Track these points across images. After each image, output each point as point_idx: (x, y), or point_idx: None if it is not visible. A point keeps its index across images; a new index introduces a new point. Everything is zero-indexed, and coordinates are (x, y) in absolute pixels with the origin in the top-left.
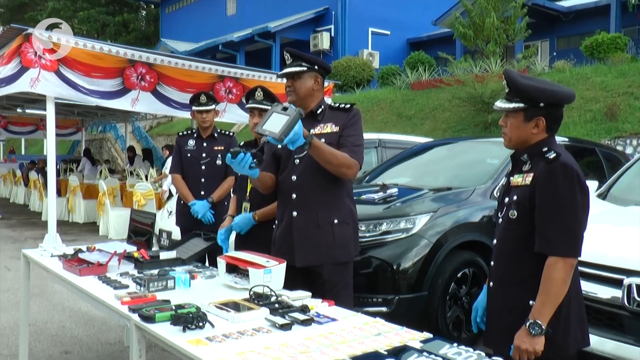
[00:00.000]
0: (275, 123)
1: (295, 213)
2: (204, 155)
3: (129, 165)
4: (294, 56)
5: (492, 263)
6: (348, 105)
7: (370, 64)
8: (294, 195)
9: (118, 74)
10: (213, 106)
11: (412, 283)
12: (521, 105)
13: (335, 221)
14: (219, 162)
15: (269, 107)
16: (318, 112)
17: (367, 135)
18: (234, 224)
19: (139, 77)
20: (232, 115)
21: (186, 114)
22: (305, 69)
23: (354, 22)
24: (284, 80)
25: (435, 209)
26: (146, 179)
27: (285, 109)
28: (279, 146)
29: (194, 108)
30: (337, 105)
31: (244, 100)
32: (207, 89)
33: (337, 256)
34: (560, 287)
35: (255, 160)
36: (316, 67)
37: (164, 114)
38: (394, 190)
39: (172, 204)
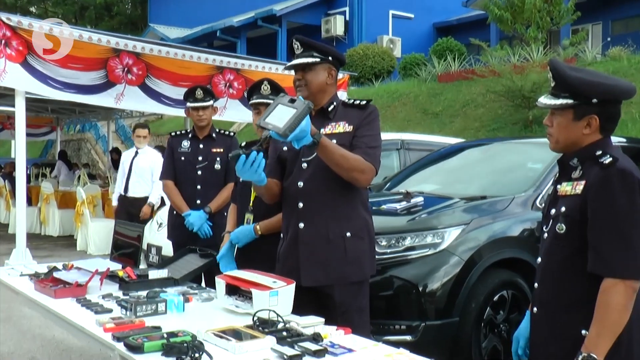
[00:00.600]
0: (279, 116)
1: (301, 225)
2: (200, 158)
3: (112, 169)
4: (305, 45)
5: (535, 285)
6: (364, 102)
7: (391, 53)
8: (301, 204)
9: (100, 66)
10: (211, 102)
11: (441, 307)
12: (570, 101)
13: (348, 234)
14: (217, 166)
15: None
16: (330, 109)
17: (387, 135)
18: (232, 235)
19: (125, 69)
20: (233, 112)
21: (180, 112)
22: (318, 59)
23: (372, 3)
24: (293, 72)
25: (467, 221)
26: None
27: (292, 101)
28: (285, 148)
29: (188, 104)
30: (351, 101)
31: (246, 95)
32: (203, 83)
33: (350, 275)
34: (619, 314)
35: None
36: (330, 57)
37: (154, 112)
38: (419, 200)
39: (162, 215)
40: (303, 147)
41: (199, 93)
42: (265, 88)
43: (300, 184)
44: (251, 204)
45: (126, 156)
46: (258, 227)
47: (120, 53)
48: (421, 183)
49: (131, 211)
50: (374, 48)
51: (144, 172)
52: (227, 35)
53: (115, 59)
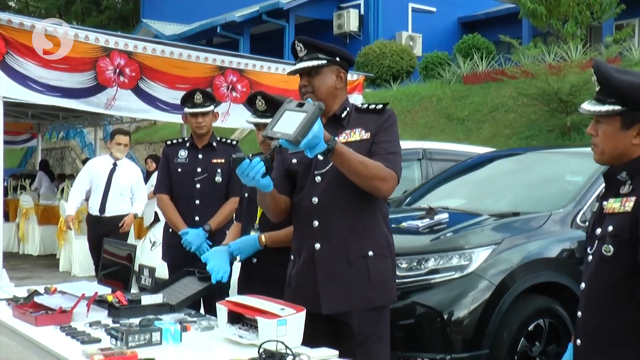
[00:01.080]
0: (288, 123)
1: (318, 245)
2: (199, 170)
3: None
4: (309, 46)
5: (578, 314)
6: (380, 106)
7: (411, 51)
8: (316, 223)
9: (88, 67)
10: (211, 107)
11: (469, 338)
12: (617, 108)
13: (370, 253)
14: (218, 178)
15: None
16: (343, 115)
17: (407, 144)
18: (233, 246)
19: (117, 70)
20: (237, 118)
21: (177, 117)
22: (324, 62)
23: None
24: (298, 76)
25: (498, 240)
26: None
27: (300, 105)
28: (294, 160)
29: (186, 110)
30: (365, 106)
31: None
32: (204, 85)
33: (374, 299)
34: None
35: (266, 166)
36: (338, 58)
37: (148, 118)
38: (444, 216)
39: (157, 232)
40: (315, 158)
41: (198, 97)
42: (260, 104)
43: (315, 199)
44: (257, 221)
45: (99, 167)
46: (263, 237)
47: (111, 52)
48: (446, 198)
49: (107, 233)
50: (391, 46)
51: (125, 191)
52: (229, 32)
53: (105, 58)
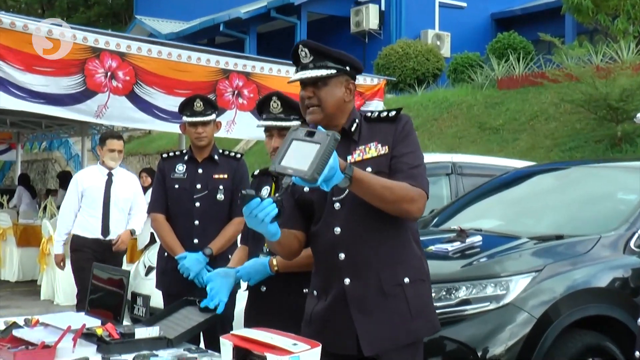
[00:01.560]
0: (299, 156)
1: (347, 280)
2: (198, 186)
3: None
4: (316, 53)
5: (637, 354)
6: (392, 112)
7: (438, 51)
8: (342, 255)
9: (76, 69)
10: (213, 116)
11: None
12: None
13: (406, 280)
14: (220, 196)
15: (292, 123)
16: (352, 129)
17: (434, 157)
18: (241, 270)
19: (108, 73)
20: (243, 128)
21: (176, 127)
22: (333, 71)
23: None
24: (301, 85)
25: (539, 267)
26: None
27: (310, 133)
28: (306, 189)
29: (185, 119)
30: (376, 114)
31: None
32: (206, 91)
33: (417, 330)
34: None
35: (278, 209)
36: (348, 67)
37: (144, 128)
38: (477, 239)
39: (151, 256)
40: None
41: (199, 105)
42: (275, 105)
43: (337, 229)
44: (266, 244)
45: (91, 180)
46: (275, 261)
47: (101, 53)
48: (478, 218)
49: (110, 260)
50: (416, 46)
51: (127, 205)
52: (233, 30)
53: (95, 60)
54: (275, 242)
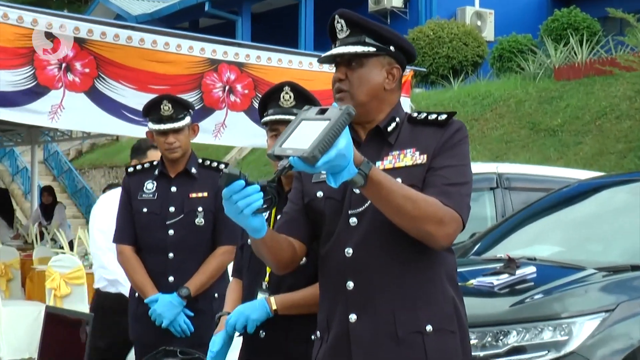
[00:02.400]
0: (305, 136)
1: (353, 316)
2: (171, 209)
3: (42, 221)
4: (354, 25)
5: None
6: (443, 116)
7: (479, 34)
8: (351, 284)
9: (23, 60)
10: (186, 120)
11: None
12: None
13: (429, 328)
14: (199, 220)
15: None
16: (390, 129)
17: (475, 167)
18: (232, 318)
19: (63, 65)
20: (236, 132)
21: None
22: (373, 49)
23: None
24: (331, 68)
25: (610, 305)
26: (71, 248)
27: (322, 111)
28: (319, 193)
29: (150, 126)
30: (423, 116)
31: (255, 105)
32: (189, 87)
33: None
34: None
35: (266, 198)
36: (392, 47)
37: (109, 133)
38: (530, 271)
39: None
40: (350, 192)
41: (167, 107)
42: (287, 97)
43: (349, 251)
44: (267, 278)
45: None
46: (273, 300)
47: (54, 40)
48: (532, 244)
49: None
50: (451, 27)
51: None
52: (221, 10)
53: (47, 50)
54: (260, 241)
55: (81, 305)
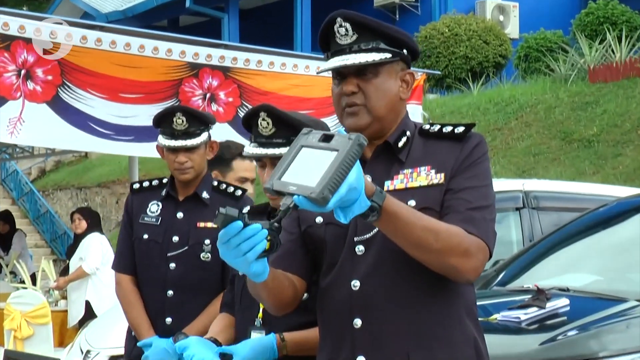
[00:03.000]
0: (308, 168)
1: (361, 358)
2: (175, 239)
3: None
4: (362, 28)
5: None
6: (460, 129)
7: (501, 31)
8: (358, 322)
9: None
10: (203, 136)
11: None
12: None
13: None
14: (206, 255)
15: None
16: (400, 144)
17: (498, 184)
18: (235, 351)
19: (22, 71)
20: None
21: (125, 148)
22: (388, 55)
23: None
24: (336, 78)
25: None
26: (33, 282)
27: (327, 138)
28: (318, 219)
29: (161, 140)
30: (437, 128)
31: (241, 115)
32: (165, 95)
33: None
34: None
35: (270, 241)
36: (405, 50)
37: (76, 149)
38: (562, 303)
39: (91, 337)
40: (355, 218)
41: (180, 121)
42: (265, 124)
43: (355, 283)
44: (260, 313)
45: None
46: (282, 337)
47: (12, 43)
48: (564, 272)
49: None
50: (469, 23)
51: None
52: (205, 7)
53: (3, 53)
54: (261, 285)
55: (45, 347)
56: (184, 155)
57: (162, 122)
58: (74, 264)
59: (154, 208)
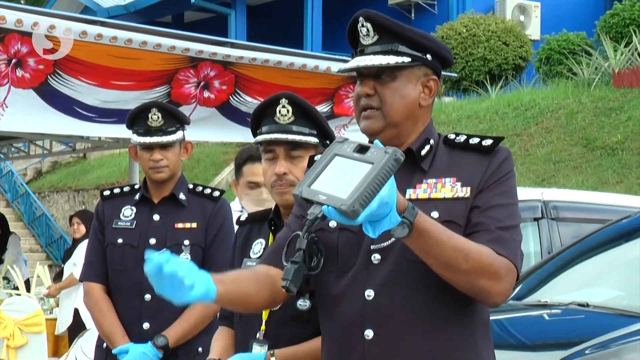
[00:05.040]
0: (340, 178)
1: None
2: (152, 241)
3: None
4: (384, 29)
5: None
6: (488, 141)
7: (521, 32)
8: (370, 333)
9: None
10: (178, 134)
11: None
12: None
13: None
14: (184, 256)
15: (308, 139)
16: (423, 152)
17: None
18: None
19: (13, 60)
20: (205, 128)
21: (108, 130)
22: (408, 59)
23: None
24: (358, 78)
25: None
26: (27, 288)
27: (363, 149)
28: (332, 224)
29: (134, 138)
30: (462, 139)
31: (234, 102)
32: (158, 82)
33: None
34: None
35: (291, 284)
36: (429, 56)
37: (61, 133)
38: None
39: (87, 347)
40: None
41: (155, 117)
42: (284, 112)
43: (369, 293)
44: (263, 326)
45: None
46: (272, 352)
47: (6, 36)
48: (584, 286)
49: None
50: (488, 23)
51: None
52: (210, 2)
53: None
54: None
55: (39, 357)
56: (159, 153)
57: (137, 119)
58: (68, 269)
59: (128, 212)
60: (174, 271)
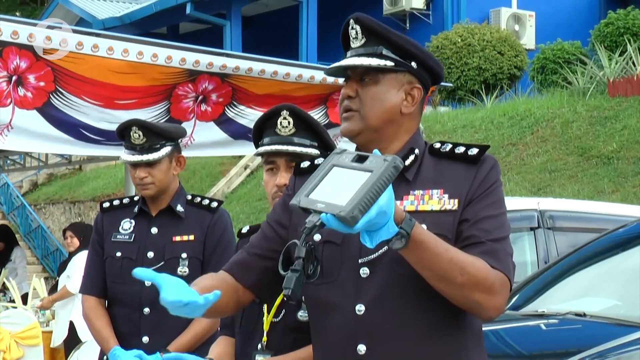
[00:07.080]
0: (339, 187)
1: None
2: (150, 254)
3: None
4: (371, 32)
5: None
6: (474, 151)
7: (516, 41)
8: (363, 348)
9: None
10: (163, 151)
11: None
12: None
13: None
14: (183, 269)
15: (308, 151)
16: (408, 162)
17: (512, 202)
18: None
19: (14, 77)
20: (206, 145)
21: (116, 152)
22: (391, 63)
23: None
24: (339, 81)
25: None
26: (24, 302)
27: (361, 158)
28: (318, 237)
29: (122, 156)
30: (447, 148)
31: (229, 113)
32: (157, 98)
33: None
34: None
35: (291, 290)
36: (414, 63)
37: (67, 153)
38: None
39: (85, 357)
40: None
41: (137, 135)
42: (286, 123)
43: (360, 308)
44: (265, 337)
45: None
46: None
47: (4, 49)
48: (581, 296)
49: None
50: (483, 33)
51: None
52: (206, 13)
53: None
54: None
55: None
56: (143, 171)
57: (123, 137)
58: (62, 282)
59: (127, 225)
60: (179, 300)
